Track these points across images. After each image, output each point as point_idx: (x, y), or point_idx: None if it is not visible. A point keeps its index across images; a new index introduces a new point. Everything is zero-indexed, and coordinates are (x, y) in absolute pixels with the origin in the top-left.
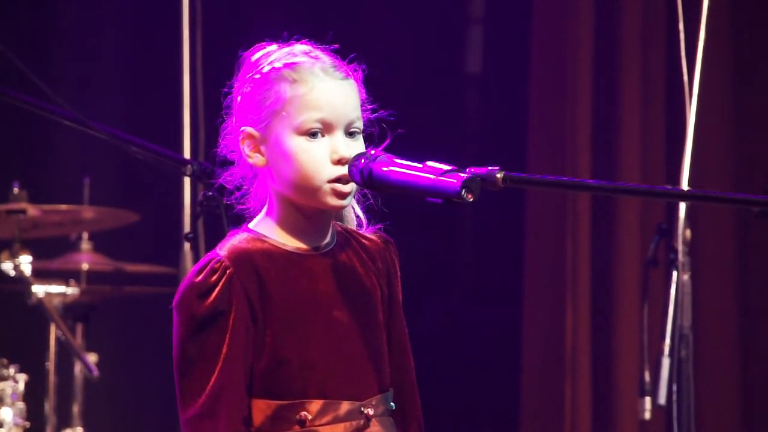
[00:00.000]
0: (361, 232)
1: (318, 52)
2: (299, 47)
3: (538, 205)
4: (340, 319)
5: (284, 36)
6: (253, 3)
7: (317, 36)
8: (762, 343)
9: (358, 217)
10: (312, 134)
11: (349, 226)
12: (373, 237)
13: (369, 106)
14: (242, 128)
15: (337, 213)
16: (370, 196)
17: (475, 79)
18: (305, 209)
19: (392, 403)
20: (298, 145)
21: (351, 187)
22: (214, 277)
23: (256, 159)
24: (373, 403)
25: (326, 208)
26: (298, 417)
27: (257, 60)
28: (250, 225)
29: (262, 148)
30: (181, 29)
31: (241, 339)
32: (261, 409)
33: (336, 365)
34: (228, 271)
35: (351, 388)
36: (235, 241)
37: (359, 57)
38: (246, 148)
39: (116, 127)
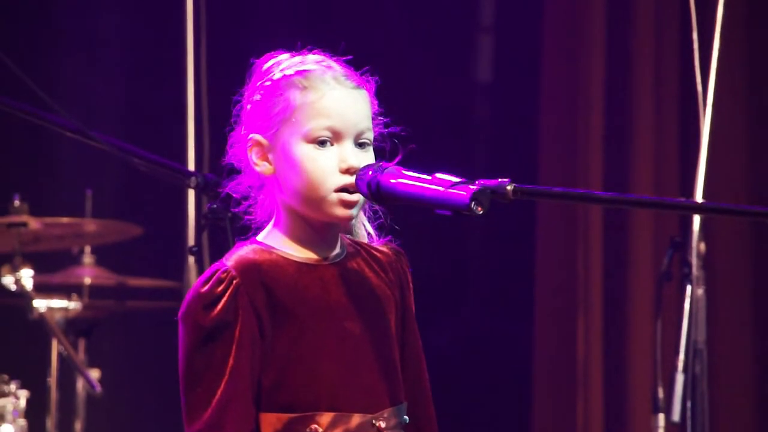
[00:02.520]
0: (371, 244)
1: (330, 62)
2: (311, 57)
3: (549, 217)
4: (352, 330)
5: (297, 45)
6: (259, 12)
7: (324, 44)
8: None
9: (369, 234)
10: (321, 142)
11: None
12: (384, 249)
13: (382, 120)
14: (250, 136)
15: (348, 229)
16: (381, 214)
17: (485, 88)
18: (312, 221)
19: (405, 417)
20: (306, 152)
21: (358, 197)
22: (221, 288)
23: (264, 167)
24: (385, 416)
25: (333, 221)
26: (308, 430)
27: (268, 68)
28: (258, 237)
29: (270, 156)
30: (185, 39)
31: (248, 351)
32: (270, 422)
33: (347, 377)
34: (234, 282)
35: (362, 400)
36: (242, 251)
37: (369, 66)
38: (253, 156)
39: (119, 138)
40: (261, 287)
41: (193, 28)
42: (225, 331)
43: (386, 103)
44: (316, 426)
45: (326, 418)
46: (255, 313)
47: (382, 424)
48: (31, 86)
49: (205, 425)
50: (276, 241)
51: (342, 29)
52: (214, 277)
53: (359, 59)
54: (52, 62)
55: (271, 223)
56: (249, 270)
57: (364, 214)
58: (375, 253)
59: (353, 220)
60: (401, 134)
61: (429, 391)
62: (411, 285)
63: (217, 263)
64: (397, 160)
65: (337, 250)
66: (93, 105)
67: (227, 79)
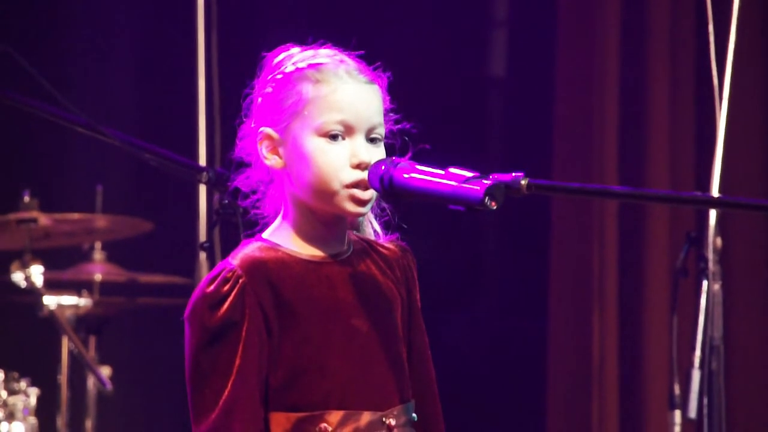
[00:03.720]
0: (377, 241)
1: (342, 56)
2: (323, 51)
3: (563, 213)
4: (360, 327)
5: (309, 40)
6: (271, 7)
7: (335, 38)
8: None
9: (376, 232)
10: (332, 136)
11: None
12: (390, 245)
13: (393, 116)
14: (261, 129)
15: (355, 225)
16: (388, 210)
17: (499, 82)
18: (322, 215)
19: (414, 414)
20: (318, 146)
21: (370, 194)
22: (226, 287)
23: (274, 161)
24: (395, 413)
25: (343, 215)
26: (318, 429)
27: (280, 61)
28: (264, 234)
29: (280, 150)
30: (197, 34)
31: (255, 350)
32: (280, 422)
33: (356, 375)
34: (240, 281)
35: (372, 398)
36: (247, 250)
37: (380, 60)
38: (264, 150)
39: (130, 134)
40: (267, 286)
41: (204, 22)
42: (231, 331)
43: (399, 98)
44: (325, 425)
45: (336, 416)
46: (262, 312)
47: (392, 422)
48: (41, 82)
49: (213, 426)
50: (282, 238)
51: (353, 24)
52: (220, 277)
53: (371, 54)
54: (62, 58)
55: (279, 218)
56: (255, 268)
57: (372, 212)
58: (381, 250)
59: (361, 217)
60: (412, 131)
61: (436, 388)
62: (417, 282)
63: (222, 262)
64: (407, 156)
65: (344, 247)
66: (103, 100)
67: (239, 73)
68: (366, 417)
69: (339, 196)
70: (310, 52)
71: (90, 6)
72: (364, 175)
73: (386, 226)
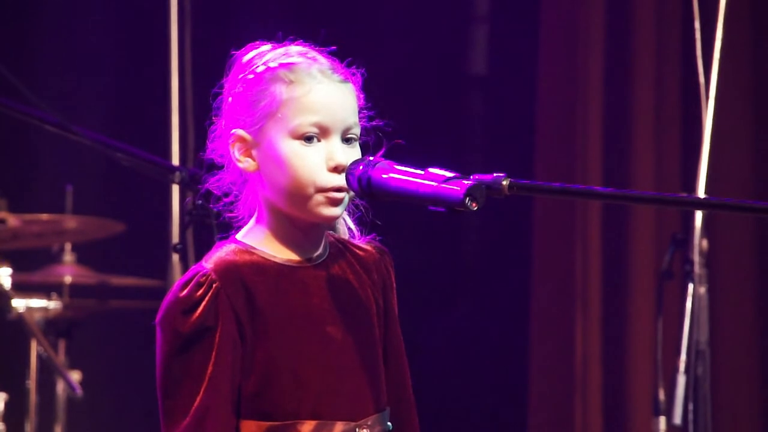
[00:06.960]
0: (354, 242)
1: (315, 53)
2: (295, 48)
3: (546, 214)
4: (334, 334)
5: (279, 36)
6: (244, 3)
7: (311, 35)
8: None
9: (350, 229)
10: (307, 138)
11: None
12: (367, 247)
13: (367, 113)
14: (233, 131)
15: (331, 225)
16: (362, 207)
17: (480, 81)
18: (297, 220)
19: (389, 423)
20: (292, 149)
21: (344, 195)
22: (200, 292)
23: (247, 164)
24: (369, 423)
25: (318, 220)
26: None
27: (250, 60)
28: (238, 236)
29: (254, 153)
30: (169, 30)
31: (228, 357)
32: (251, 430)
33: (330, 383)
34: (214, 286)
35: (345, 407)
36: (221, 253)
37: (357, 58)
38: (236, 152)
39: (101, 133)
40: (241, 291)
41: (177, 20)
42: (204, 337)
43: (376, 96)
44: None
45: (308, 426)
46: (235, 317)
47: None
48: (10, 79)
49: None
50: (257, 241)
51: (329, 18)
52: (193, 281)
53: (348, 51)
54: (32, 55)
55: (253, 220)
56: (229, 272)
57: (346, 209)
58: (358, 252)
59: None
60: (387, 129)
61: (411, 394)
62: (394, 285)
63: (195, 266)
64: (380, 152)
65: (320, 250)
66: (74, 98)
67: (212, 71)
68: (339, 427)
69: (313, 201)
70: (281, 50)
71: (61, 3)
72: (340, 179)
73: (360, 223)
